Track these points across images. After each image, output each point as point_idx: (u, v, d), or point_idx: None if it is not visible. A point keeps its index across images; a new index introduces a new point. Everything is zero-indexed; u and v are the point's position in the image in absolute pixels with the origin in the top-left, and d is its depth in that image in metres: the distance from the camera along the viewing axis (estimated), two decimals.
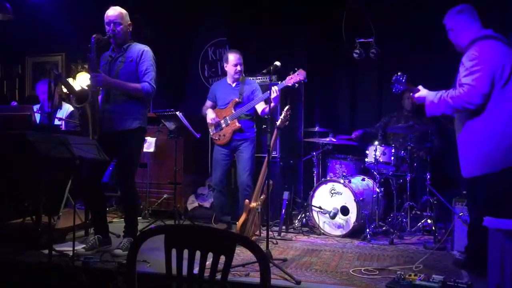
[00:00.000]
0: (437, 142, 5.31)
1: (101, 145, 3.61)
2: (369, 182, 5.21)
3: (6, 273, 3.70)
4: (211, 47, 6.87)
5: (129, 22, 4.11)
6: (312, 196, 5.09)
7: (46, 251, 3.47)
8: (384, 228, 4.94)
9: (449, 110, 3.47)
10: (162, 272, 3.08)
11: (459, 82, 3.47)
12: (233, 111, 4.92)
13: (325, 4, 5.87)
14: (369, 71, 6.12)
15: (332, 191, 4.98)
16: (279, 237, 4.78)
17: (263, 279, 1.64)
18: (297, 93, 5.67)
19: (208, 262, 1.67)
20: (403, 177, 5.14)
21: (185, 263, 1.69)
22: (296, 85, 4.48)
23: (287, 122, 4.15)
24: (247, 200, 4.39)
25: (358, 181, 5.15)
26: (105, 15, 4.03)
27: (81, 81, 6.61)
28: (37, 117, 5.34)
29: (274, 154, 5.29)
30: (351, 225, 4.83)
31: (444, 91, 3.51)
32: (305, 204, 5.25)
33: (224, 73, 5.17)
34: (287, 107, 4.11)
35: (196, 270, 1.69)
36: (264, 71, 4.06)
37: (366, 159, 5.16)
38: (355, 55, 5.76)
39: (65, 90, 5.86)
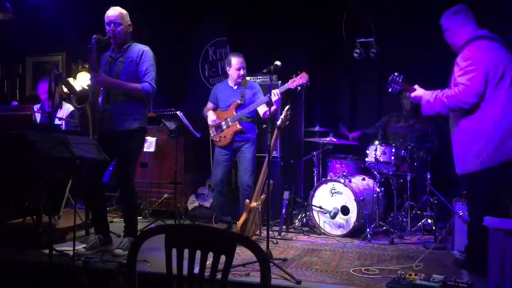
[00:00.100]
0: (437, 141, 5.31)
1: (101, 145, 3.61)
2: (369, 181, 5.21)
3: (7, 273, 3.70)
4: (212, 46, 6.87)
5: (129, 23, 4.11)
6: (313, 196, 5.09)
7: (47, 251, 3.47)
8: (384, 227, 4.94)
9: (445, 109, 3.52)
10: (162, 272, 3.08)
11: (454, 82, 3.51)
12: (234, 113, 4.92)
13: (325, 4, 5.87)
14: (369, 71, 6.12)
15: (333, 191, 4.98)
16: (279, 237, 4.78)
17: (264, 278, 1.64)
18: (297, 93, 5.66)
19: (209, 262, 1.67)
20: (403, 177, 5.14)
21: (185, 263, 1.69)
22: (299, 88, 4.48)
23: (288, 122, 4.15)
24: (247, 200, 4.39)
25: (358, 181, 5.15)
26: (105, 15, 4.03)
27: (82, 80, 6.61)
28: (38, 116, 5.34)
29: (274, 153, 5.29)
30: (352, 224, 4.83)
31: (439, 90, 3.55)
32: (306, 203, 5.25)
33: (225, 73, 5.17)
34: (287, 107, 4.11)
35: (196, 269, 1.69)
36: (265, 70, 4.06)
37: (367, 159, 5.16)
38: (355, 54, 5.76)
39: (65, 90, 5.86)
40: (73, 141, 3.40)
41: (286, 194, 5.05)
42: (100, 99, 4.06)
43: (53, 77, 3.94)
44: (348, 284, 3.31)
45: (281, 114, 4.15)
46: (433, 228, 4.71)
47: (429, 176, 5.02)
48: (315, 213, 5.05)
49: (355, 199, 4.80)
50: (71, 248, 3.54)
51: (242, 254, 3.90)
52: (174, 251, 1.71)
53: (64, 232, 4.42)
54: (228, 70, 5.02)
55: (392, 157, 5.03)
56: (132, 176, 4.15)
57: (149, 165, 5.90)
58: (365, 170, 5.48)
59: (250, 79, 5.36)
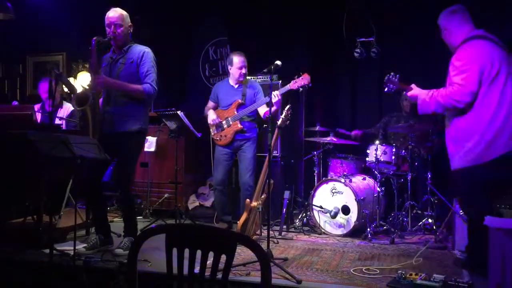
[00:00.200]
0: (437, 141, 5.30)
1: (101, 145, 3.61)
2: (370, 181, 5.21)
3: (7, 272, 3.70)
4: (212, 46, 6.87)
5: (130, 24, 4.11)
6: (313, 196, 5.09)
7: (47, 251, 3.48)
8: (385, 227, 4.94)
9: (440, 108, 3.58)
10: (163, 272, 3.08)
11: (449, 81, 3.57)
12: (235, 112, 4.91)
13: (325, 4, 5.87)
14: (370, 71, 6.11)
15: (333, 191, 4.98)
16: (280, 237, 4.78)
17: (264, 278, 1.64)
18: (298, 93, 5.66)
19: (209, 262, 1.67)
20: (404, 177, 5.14)
21: (186, 263, 1.69)
22: (300, 89, 4.49)
23: (288, 122, 4.15)
24: (248, 200, 4.38)
25: (359, 181, 5.15)
26: (106, 16, 4.02)
27: (82, 80, 6.61)
28: (38, 116, 5.34)
29: (275, 153, 5.29)
30: (352, 224, 4.83)
31: (435, 90, 3.61)
32: (306, 203, 5.25)
33: (225, 73, 5.18)
34: (287, 106, 4.10)
35: (197, 269, 1.69)
36: (265, 70, 4.06)
37: (367, 159, 5.16)
38: (356, 54, 5.75)
39: (66, 89, 5.86)
40: (74, 141, 3.40)
41: (286, 194, 5.05)
42: (100, 100, 4.07)
43: (53, 77, 3.94)
44: (349, 284, 3.31)
45: (281, 114, 4.15)
46: (434, 227, 4.71)
47: (429, 175, 5.03)
48: (315, 213, 5.05)
49: (355, 199, 4.80)
50: (72, 248, 3.54)
51: (243, 253, 3.90)
52: (174, 251, 1.71)
53: (65, 232, 4.42)
54: (230, 68, 5.02)
55: (393, 157, 5.03)
56: (131, 177, 4.15)
57: (149, 164, 5.90)
58: (365, 169, 5.48)
59: (251, 78, 5.36)
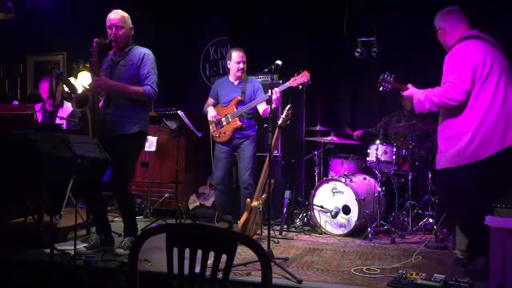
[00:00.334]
0: None
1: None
2: (370, 181, 5.21)
3: (8, 272, 3.71)
4: (212, 46, 6.87)
5: (131, 26, 4.10)
6: (314, 195, 5.09)
7: (48, 250, 3.47)
8: (385, 227, 4.94)
9: (434, 106, 3.63)
10: (163, 271, 3.09)
11: (443, 80, 3.61)
12: (235, 109, 4.92)
13: (326, 3, 5.87)
14: (370, 70, 6.10)
15: (334, 190, 4.98)
16: (280, 236, 4.78)
17: (265, 278, 1.64)
18: (298, 92, 5.64)
19: (210, 261, 1.67)
20: (404, 176, 5.13)
21: (186, 262, 1.69)
22: (300, 86, 4.48)
23: (289, 121, 4.15)
24: (248, 199, 4.38)
25: (359, 180, 5.15)
26: (107, 18, 4.02)
27: (83, 80, 6.61)
28: (39, 116, 5.34)
29: (275, 153, 5.28)
30: (353, 224, 4.83)
31: (430, 89, 3.66)
32: (307, 203, 5.25)
33: (226, 72, 5.18)
34: (288, 106, 4.10)
35: (197, 269, 1.69)
36: (266, 70, 4.06)
37: (368, 158, 5.16)
38: (356, 54, 5.75)
39: (66, 89, 5.87)
40: (74, 141, 3.40)
41: (287, 194, 5.05)
42: (101, 102, 4.07)
43: (54, 77, 3.94)
44: (349, 284, 3.31)
45: (282, 113, 4.15)
46: (435, 227, 4.70)
47: (430, 175, 5.02)
48: (316, 213, 5.05)
49: (356, 199, 4.80)
50: (72, 248, 3.54)
51: (243, 253, 3.90)
52: (175, 251, 1.71)
53: (65, 232, 4.42)
54: (229, 64, 5.03)
55: (393, 157, 5.02)
56: (128, 179, 4.16)
57: (150, 164, 5.90)
58: (366, 169, 5.48)
59: (253, 77, 5.36)
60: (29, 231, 4.21)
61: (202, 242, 1.71)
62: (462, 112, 3.52)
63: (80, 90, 4.36)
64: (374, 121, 5.91)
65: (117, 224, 4.51)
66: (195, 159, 6.05)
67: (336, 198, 4.96)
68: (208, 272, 1.68)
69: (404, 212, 5.07)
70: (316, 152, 5.52)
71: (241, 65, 4.94)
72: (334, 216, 4.93)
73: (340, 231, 4.91)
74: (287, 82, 4.54)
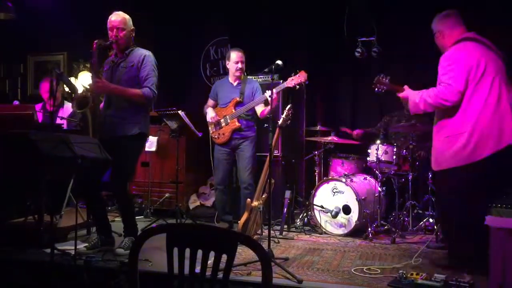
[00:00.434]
0: None
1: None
2: (371, 181, 5.21)
3: (8, 272, 3.71)
4: (213, 46, 6.86)
5: (132, 28, 4.10)
6: (314, 195, 5.09)
7: (48, 250, 3.47)
8: (386, 227, 4.94)
9: (429, 107, 3.68)
10: (164, 271, 3.09)
11: (437, 81, 3.65)
12: (233, 110, 4.92)
13: (326, 3, 5.86)
14: (371, 70, 6.09)
15: (334, 190, 4.98)
16: (280, 236, 4.78)
17: (265, 278, 1.64)
18: (299, 92, 5.65)
19: (210, 261, 1.67)
20: (405, 176, 5.13)
21: (186, 262, 1.69)
22: (297, 86, 4.48)
23: (289, 121, 4.15)
24: (248, 199, 4.39)
25: (360, 180, 5.15)
26: (108, 20, 4.02)
27: (83, 80, 6.61)
28: (39, 116, 5.34)
29: (276, 153, 5.28)
30: (353, 224, 4.83)
31: (425, 90, 3.71)
32: (307, 203, 5.25)
33: (226, 72, 5.18)
34: (288, 106, 4.10)
35: (198, 269, 1.69)
36: (266, 70, 4.06)
37: (368, 158, 5.16)
38: (356, 54, 5.73)
39: (67, 89, 5.87)
40: (75, 140, 3.40)
41: (287, 194, 5.05)
42: (101, 103, 4.07)
43: (54, 77, 3.95)
44: (350, 284, 3.31)
45: (282, 113, 4.15)
46: (435, 227, 4.70)
47: (430, 175, 5.02)
48: (316, 213, 5.05)
49: (356, 199, 4.80)
50: (73, 248, 3.54)
51: (244, 253, 3.90)
52: (175, 251, 1.71)
53: (66, 232, 4.42)
54: (227, 64, 5.05)
55: (394, 157, 5.02)
56: (127, 180, 4.17)
57: (150, 164, 5.91)
58: (366, 169, 5.47)
59: (252, 78, 5.37)
60: (30, 231, 4.21)
61: (203, 242, 1.71)
62: (457, 113, 3.57)
63: (80, 90, 4.36)
64: (374, 121, 5.90)
65: (117, 224, 4.51)
66: (195, 159, 6.05)
67: (336, 198, 4.96)
68: (208, 272, 1.68)
69: (405, 212, 5.07)
70: (316, 152, 5.52)
71: (239, 65, 4.94)
72: (335, 216, 4.93)
73: (341, 231, 4.91)
74: (284, 83, 4.54)
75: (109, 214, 4.48)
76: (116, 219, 5.27)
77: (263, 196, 4.32)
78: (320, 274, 3.52)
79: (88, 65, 6.90)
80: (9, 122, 4.30)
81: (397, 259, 3.99)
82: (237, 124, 4.88)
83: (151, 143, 5.70)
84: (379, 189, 4.95)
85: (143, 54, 4.05)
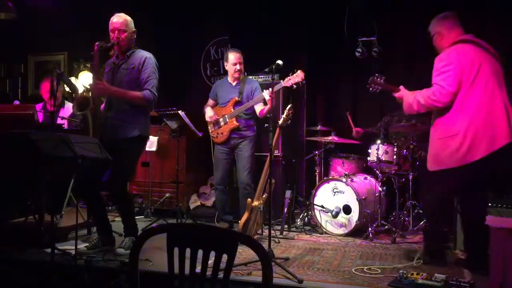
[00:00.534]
0: None
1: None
2: (371, 181, 5.21)
3: (8, 272, 3.71)
4: (213, 46, 6.86)
5: (134, 29, 4.10)
6: (314, 195, 5.09)
7: (49, 250, 3.47)
8: (386, 227, 4.94)
9: (421, 108, 3.73)
10: (164, 271, 3.10)
11: (432, 82, 3.69)
12: (232, 109, 4.93)
13: (327, 3, 5.86)
14: (371, 70, 6.08)
15: (335, 190, 4.98)
16: (281, 236, 4.78)
17: (265, 278, 1.64)
18: (299, 92, 5.66)
19: (210, 261, 1.67)
20: (405, 176, 5.13)
21: (187, 262, 1.69)
22: (294, 86, 4.49)
23: (289, 121, 4.15)
24: (249, 199, 4.39)
25: (360, 180, 5.15)
26: (110, 21, 4.01)
27: (84, 80, 6.62)
28: (40, 116, 5.34)
29: (276, 153, 5.28)
30: (354, 224, 4.83)
31: (419, 91, 3.74)
32: (307, 203, 5.25)
33: (226, 72, 5.18)
34: (289, 106, 4.10)
35: (198, 269, 1.69)
36: (266, 69, 4.06)
37: (369, 158, 5.16)
38: (357, 54, 5.74)
39: (67, 89, 5.87)
40: (75, 140, 3.40)
41: (288, 193, 5.05)
42: (102, 105, 4.07)
43: (55, 76, 3.95)
44: (350, 283, 3.31)
45: (282, 113, 4.15)
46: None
47: None
48: (317, 212, 5.05)
49: (357, 198, 4.80)
50: (73, 247, 3.54)
51: (244, 253, 3.91)
52: (176, 250, 1.71)
53: (66, 231, 4.43)
54: (226, 65, 5.06)
55: (394, 156, 5.02)
56: (126, 181, 4.17)
57: (151, 164, 5.91)
58: (367, 169, 5.47)
59: (252, 77, 5.37)
60: (30, 231, 4.21)
61: (203, 242, 1.71)
62: (451, 114, 3.59)
63: (81, 90, 4.37)
64: (374, 121, 5.89)
65: (117, 224, 4.51)
66: (196, 159, 6.05)
67: (337, 198, 4.96)
68: (209, 272, 1.68)
69: (405, 212, 5.07)
70: (316, 152, 5.52)
71: (237, 67, 4.95)
72: (335, 216, 4.93)
73: (341, 231, 4.91)
74: (281, 82, 4.54)
75: (109, 214, 4.48)
76: (116, 219, 5.26)
77: (264, 196, 4.32)
78: (321, 274, 3.52)
79: (88, 65, 6.91)
80: (9, 122, 4.30)
81: (397, 259, 3.99)
82: (235, 123, 4.89)
83: (152, 143, 5.70)
84: (380, 189, 4.95)
85: (144, 56, 4.04)
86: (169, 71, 5.77)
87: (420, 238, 4.74)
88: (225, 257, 1.67)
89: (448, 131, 3.60)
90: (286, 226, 5.03)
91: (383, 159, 4.98)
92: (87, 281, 3.45)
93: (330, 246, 4.44)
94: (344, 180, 4.93)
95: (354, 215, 4.83)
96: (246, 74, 5.28)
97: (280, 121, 4.13)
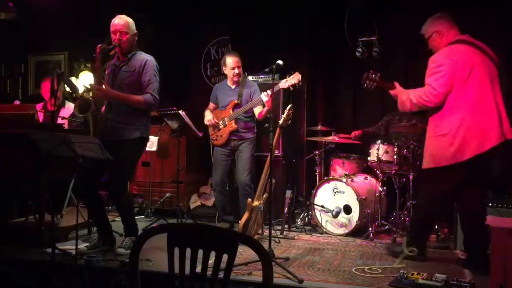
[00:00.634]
0: None
1: None
2: (371, 180, 5.21)
3: (9, 271, 3.71)
4: (214, 46, 6.86)
5: (135, 31, 4.09)
6: (315, 195, 5.09)
7: (49, 250, 3.48)
8: (386, 227, 4.94)
9: (413, 106, 3.77)
10: (164, 271, 3.09)
11: (425, 82, 3.73)
12: (231, 112, 4.94)
13: (327, 3, 5.86)
14: (371, 70, 6.09)
15: (335, 190, 4.98)
16: (281, 236, 4.78)
17: (266, 277, 1.64)
18: (299, 92, 5.66)
19: (211, 261, 1.67)
20: (405, 176, 5.12)
21: (187, 262, 1.69)
22: (291, 88, 4.50)
23: (290, 121, 4.15)
24: (249, 199, 4.39)
25: (360, 180, 5.15)
26: (111, 23, 4.01)
27: (84, 80, 6.61)
28: (40, 116, 5.34)
29: (276, 153, 5.28)
30: (354, 224, 4.83)
31: (412, 89, 3.78)
32: (308, 203, 5.25)
33: None
34: (289, 106, 4.10)
35: (198, 269, 1.69)
36: (267, 70, 4.06)
37: (369, 158, 5.15)
38: (357, 53, 5.74)
39: (68, 89, 5.87)
40: (76, 140, 3.40)
41: (288, 193, 5.05)
42: (103, 107, 4.08)
43: (55, 76, 3.95)
44: (351, 283, 3.31)
45: (283, 114, 4.15)
46: (436, 227, 4.70)
47: None
48: (317, 212, 5.05)
49: (357, 198, 4.80)
50: (74, 247, 3.55)
51: (244, 253, 3.91)
52: (176, 250, 1.71)
53: (67, 231, 4.43)
54: (224, 69, 5.07)
55: (395, 156, 5.01)
56: (125, 183, 4.17)
57: (151, 164, 5.91)
58: (367, 169, 5.47)
59: (252, 78, 5.37)
60: (31, 231, 4.21)
61: (203, 241, 1.71)
62: (443, 113, 3.63)
63: (81, 90, 4.37)
64: (375, 121, 5.89)
65: (118, 224, 4.51)
66: (196, 159, 6.05)
67: (337, 198, 4.96)
68: (209, 272, 1.68)
69: (405, 212, 5.06)
70: (317, 152, 5.52)
71: (236, 71, 4.95)
72: (335, 215, 4.92)
73: (341, 231, 4.91)
74: (278, 84, 4.54)
75: (109, 214, 4.49)
76: (117, 219, 5.27)
77: (264, 196, 4.32)
78: (321, 274, 3.52)
79: (88, 65, 6.91)
80: (10, 122, 4.30)
81: (398, 258, 3.99)
82: (234, 125, 4.90)
83: (152, 143, 5.70)
84: (380, 188, 4.95)
85: (145, 59, 4.04)
86: (170, 71, 5.78)
87: None
88: (225, 257, 1.67)
89: (440, 130, 3.64)
90: (286, 226, 5.03)
91: (384, 159, 4.98)
92: (88, 281, 3.45)
93: (331, 246, 4.44)
94: (344, 180, 4.93)
95: (355, 215, 4.83)
96: (246, 74, 5.28)
97: (281, 121, 4.13)
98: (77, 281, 3.48)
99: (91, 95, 4.00)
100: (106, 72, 4.17)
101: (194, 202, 5.97)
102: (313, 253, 4.15)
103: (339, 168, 5.42)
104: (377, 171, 5.05)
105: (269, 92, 4.46)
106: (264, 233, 4.45)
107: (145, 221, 5.37)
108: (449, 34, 3.75)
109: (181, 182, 5.47)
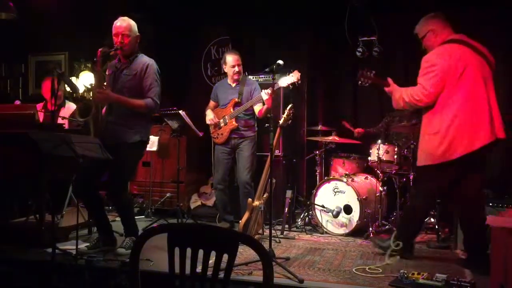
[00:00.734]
0: None
1: None
2: (372, 180, 5.21)
3: (10, 271, 3.71)
4: (214, 45, 6.86)
5: (137, 34, 4.09)
6: (315, 195, 5.09)
7: (50, 250, 3.48)
8: (387, 226, 4.94)
9: (406, 105, 3.80)
10: (165, 271, 3.09)
11: (417, 81, 3.75)
12: (231, 110, 4.95)
13: (327, 3, 5.86)
14: (372, 70, 6.08)
15: (335, 190, 4.98)
16: (282, 236, 4.78)
17: (266, 277, 1.64)
18: (299, 91, 5.66)
19: (211, 261, 1.67)
20: (406, 176, 5.13)
21: (188, 262, 1.69)
22: (291, 86, 4.50)
23: (290, 121, 4.15)
24: (250, 199, 4.39)
25: (361, 180, 5.15)
26: (114, 25, 4.00)
27: (84, 79, 6.62)
28: (41, 115, 5.34)
29: (277, 152, 5.29)
30: (354, 223, 4.83)
31: (405, 88, 3.80)
32: (308, 202, 5.25)
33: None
34: (290, 106, 4.10)
35: (199, 268, 1.69)
36: (267, 69, 4.06)
37: (369, 158, 5.16)
38: (358, 53, 5.73)
39: (68, 89, 5.87)
40: (76, 140, 3.40)
41: (288, 193, 5.05)
42: (104, 109, 4.08)
43: (56, 76, 3.95)
44: (351, 283, 3.31)
45: (283, 113, 4.15)
46: (436, 227, 4.70)
47: None
48: (317, 212, 5.05)
49: (357, 198, 4.80)
50: (74, 247, 3.54)
51: (245, 253, 3.90)
52: (176, 250, 1.71)
53: (67, 231, 4.43)
54: (224, 68, 5.07)
55: (395, 156, 5.02)
56: (123, 185, 4.18)
57: (151, 164, 5.91)
58: (368, 169, 5.47)
59: (253, 78, 5.37)
60: (31, 231, 4.21)
61: (204, 241, 1.71)
62: (435, 112, 3.65)
63: (81, 90, 4.37)
64: (375, 121, 5.89)
65: (118, 224, 4.51)
66: (196, 159, 6.05)
67: (337, 198, 4.96)
68: (209, 272, 1.68)
69: None
70: (317, 152, 5.52)
71: (236, 69, 4.96)
72: (336, 215, 4.92)
73: (342, 231, 4.91)
74: (277, 83, 4.54)
75: (109, 214, 4.48)
76: (117, 219, 5.26)
77: (264, 196, 4.32)
78: (321, 273, 3.52)
79: (89, 65, 6.91)
80: (10, 122, 4.30)
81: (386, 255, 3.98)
82: (234, 123, 4.90)
83: (152, 143, 5.69)
84: (380, 188, 4.95)
85: (146, 63, 4.03)
86: (170, 71, 5.78)
87: (420, 238, 4.73)
88: (225, 257, 1.67)
89: (432, 128, 3.67)
90: (286, 226, 5.03)
91: (384, 159, 4.98)
92: (88, 281, 3.45)
93: (331, 246, 4.44)
94: (344, 180, 4.93)
95: (355, 215, 4.83)
96: (246, 74, 5.28)
97: (281, 121, 4.13)
98: (77, 281, 3.48)
99: (91, 95, 4.01)
100: (107, 73, 4.17)
101: (195, 202, 5.98)
102: (313, 253, 4.15)
103: (339, 168, 5.42)
104: (378, 171, 5.05)
105: (269, 90, 4.46)
106: (265, 233, 4.45)
107: (145, 221, 5.37)
108: (442, 33, 3.76)
109: (182, 182, 5.47)
